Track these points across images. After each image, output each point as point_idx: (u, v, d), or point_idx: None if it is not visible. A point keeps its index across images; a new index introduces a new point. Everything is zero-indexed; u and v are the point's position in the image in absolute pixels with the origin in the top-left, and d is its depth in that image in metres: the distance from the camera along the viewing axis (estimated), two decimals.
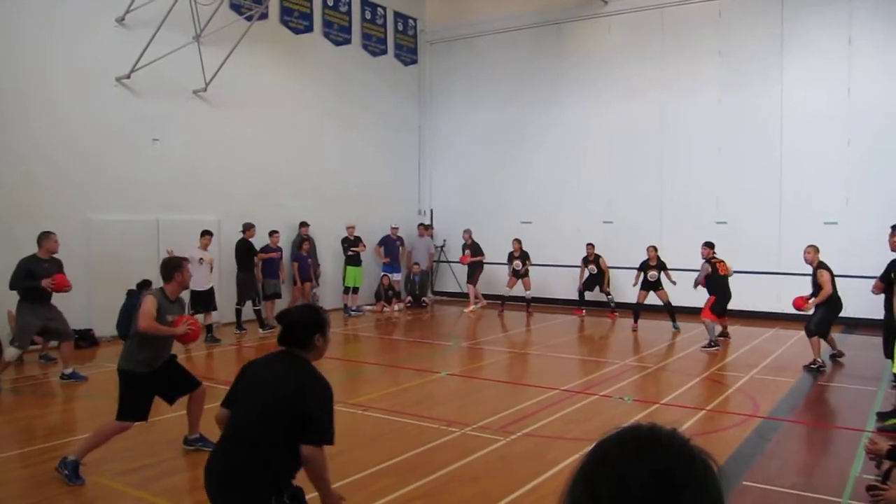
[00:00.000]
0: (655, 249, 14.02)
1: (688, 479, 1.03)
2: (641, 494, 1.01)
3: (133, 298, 11.18)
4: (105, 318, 11.68)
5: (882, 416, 7.45)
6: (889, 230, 8.55)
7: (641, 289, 13.99)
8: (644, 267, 13.97)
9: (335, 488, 3.90)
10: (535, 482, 5.84)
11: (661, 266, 13.89)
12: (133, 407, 6.03)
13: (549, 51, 17.74)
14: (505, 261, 16.88)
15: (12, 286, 9.19)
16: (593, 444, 1.13)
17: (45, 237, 9.42)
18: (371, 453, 6.48)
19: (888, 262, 8.40)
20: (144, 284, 11.28)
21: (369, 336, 14.20)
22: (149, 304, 6.09)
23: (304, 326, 3.69)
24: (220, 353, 11.93)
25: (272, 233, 14.13)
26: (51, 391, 9.24)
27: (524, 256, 16.39)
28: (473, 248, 17.17)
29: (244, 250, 13.63)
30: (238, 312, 13.60)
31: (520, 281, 16.46)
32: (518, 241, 16.46)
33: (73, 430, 7.46)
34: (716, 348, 11.66)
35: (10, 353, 9.21)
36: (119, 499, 5.66)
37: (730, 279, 12.52)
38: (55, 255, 9.47)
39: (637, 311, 13.96)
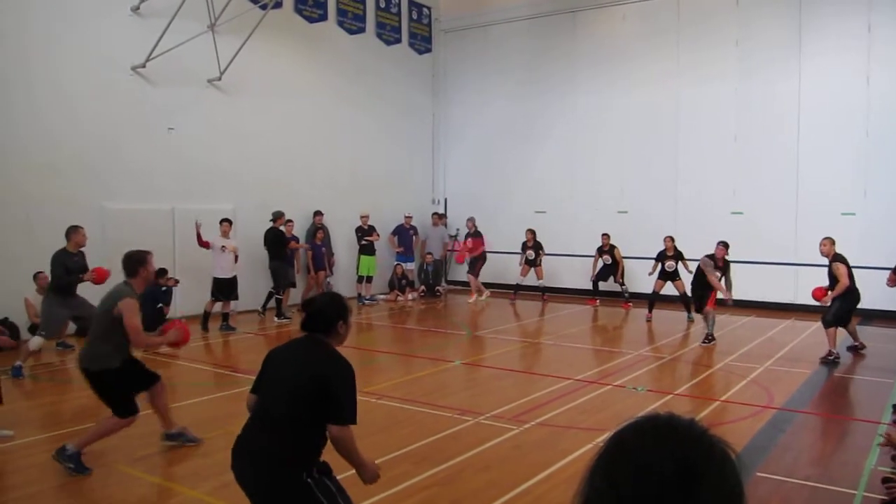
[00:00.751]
0: (672, 240, 13.95)
1: (707, 468, 1.03)
2: (661, 483, 1.01)
3: (149, 287, 11.26)
4: None
5: None
6: None
7: (658, 278, 13.93)
8: (661, 257, 13.92)
9: (348, 475, 3.92)
10: (548, 471, 5.85)
11: (679, 256, 13.83)
12: (127, 402, 5.94)
13: (564, 39, 17.64)
14: (517, 250, 16.89)
15: (60, 282, 9.27)
16: (611, 433, 1.13)
17: (73, 231, 9.48)
18: (385, 441, 6.51)
19: None
20: (160, 273, 11.37)
21: (383, 325, 14.23)
22: (136, 314, 5.78)
23: (329, 314, 3.84)
24: (235, 341, 11.99)
25: (287, 221, 14.21)
26: (68, 378, 9.33)
27: (537, 247, 16.44)
28: (476, 236, 17.16)
29: (275, 239, 13.77)
30: (278, 302, 13.76)
31: (532, 270, 16.53)
32: (532, 231, 16.49)
33: (90, 417, 7.52)
34: (712, 343, 11.39)
35: (35, 342, 9.30)
36: (135, 484, 5.72)
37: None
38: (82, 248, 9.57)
39: (652, 301, 13.90)
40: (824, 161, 14.49)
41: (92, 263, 10.22)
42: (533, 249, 16.46)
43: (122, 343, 5.85)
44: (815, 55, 14.63)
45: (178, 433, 6.51)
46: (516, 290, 16.65)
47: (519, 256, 16.79)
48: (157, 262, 11.40)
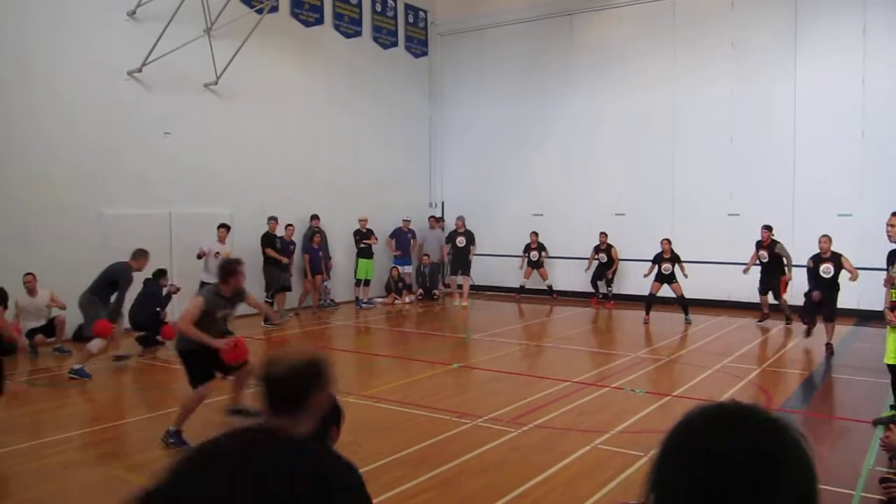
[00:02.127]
0: (669, 242, 13.99)
1: (785, 454, 1.03)
2: (740, 471, 1.00)
3: (149, 287, 11.29)
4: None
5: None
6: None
7: (655, 280, 13.97)
8: (658, 259, 13.97)
9: None
10: (546, 473, 5.84)
11: (676, 259, 13.87)
12: (199, 374, 6.70)
13: (560, 42, 17.66)
14: (516, 252, 16.98)
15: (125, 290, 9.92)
16: (676, 424, 1.11)
17: (141, 255, 10.12)
18: (383, 444, 6.50)
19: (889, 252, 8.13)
20: (160, 274, 11.38)
21: (381, 328, 14.23)
22: (193, 306, 6.67)
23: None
24: None
25: (287, 226, 14.32)
26: (65, 383, 9.31)
27: (541, 248, 16.72)
28: (468, 235, 17.13)
29: (263, 243, 13.95)
30: (268, 306, 13.68)
31: (535, 272, 16.92)
32: (535, 233, 16.88)
33: (86, 423, 7.51)
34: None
35: (97, 344, 9.55)
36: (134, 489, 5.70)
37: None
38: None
39: (649, 303, 13.92)
40: (820, 163, 14.52)
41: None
42: (537, 251, 16.75)
43: (206, 330, 6.68)
44: (810, 57, 14.66)
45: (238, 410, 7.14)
46: (521, 291, 16.85)
47: (519, 259, 17.01)
48: (155, 267, 11.51)
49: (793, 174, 14.85)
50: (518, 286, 17.11)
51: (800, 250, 14.58)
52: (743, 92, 15.30)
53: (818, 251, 11.41)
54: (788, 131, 14.86)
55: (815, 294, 11.04)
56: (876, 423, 7.17)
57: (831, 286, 11.04)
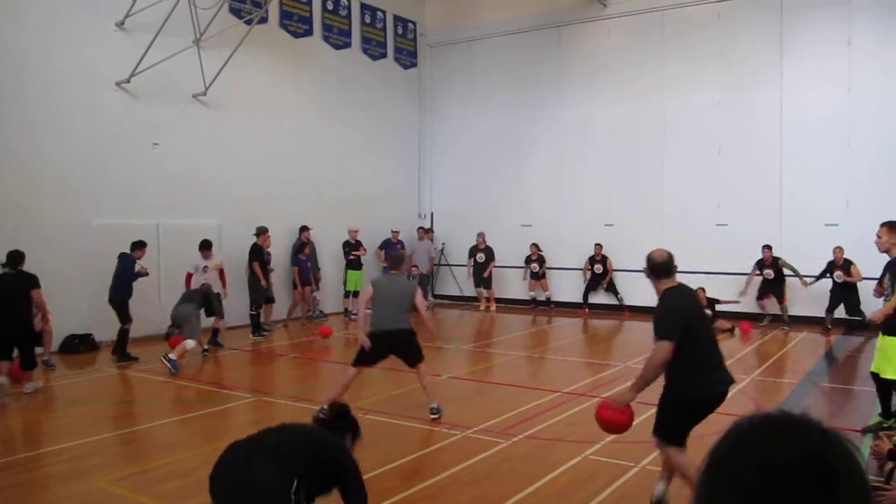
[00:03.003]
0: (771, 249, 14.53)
1: (842, 468, 1.00)
2: (794, 481, 0.98)
3: (124, 261, 11.19)
4: (105, 322, 11.62)
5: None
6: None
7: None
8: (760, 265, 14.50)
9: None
10: (537, 484, 5.82)
11: None
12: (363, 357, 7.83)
13: (549, 54, 17.74)
14: (504, 263, 17.03)
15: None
16: (723, 434, 1.08)
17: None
18: (373, 456, 6.45)
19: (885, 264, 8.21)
20: (139, 245, 11.26)
21: None
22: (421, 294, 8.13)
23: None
24: (222, 357, 11.89)
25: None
26: (52, 396, 9.22)
27: (541, 260, 16.79)
28: (487, 252, 17.47)
29: (251, 255, 13.85)
30: (253, 318, 13.65)
31: (538, 283, 17.25)
32: (535, 244, 17.02)
33: (72, 436, 7.42)
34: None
35: (189, 344, 10.67)
36: (120, 503, 5.64)
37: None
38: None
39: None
40: (807, 172, 14.62)
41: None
42: (537, 262, 16.88)
43: (410, 314, 8.11)
44: (796, 67, 14.78)
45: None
46: (534, 304, 17.18)
47: (512, 271, 17.18)
48: (143, 278, 11.45)
49: (780, 184, 14.94)
50: (529, 297, 17.44)
51: (788, 259, 14.70)
52: (730, 102, 15.40)
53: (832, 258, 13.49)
54: (775, 141, 14.96)
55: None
56: (865, 431, 7.19)
57: (844, 288, 13.24)
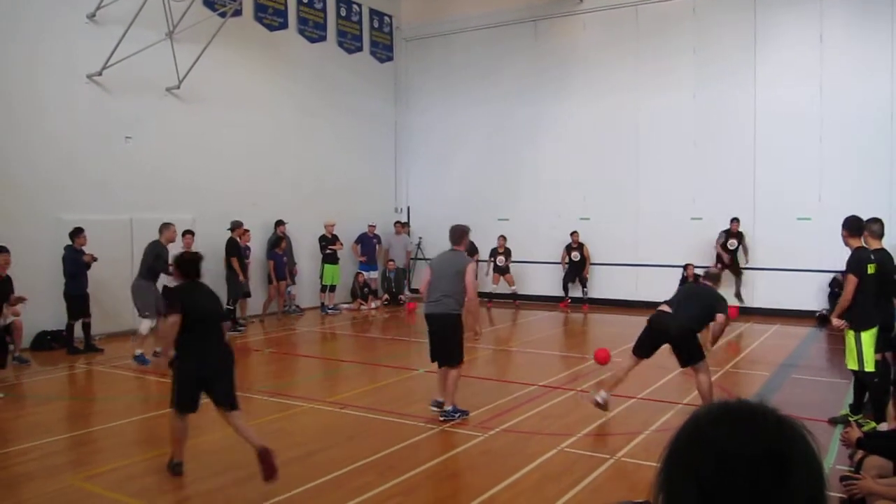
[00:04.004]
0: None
1: (798, 455, 1.02)
2: (750, 470, 1.00)
3: (70, 253, 11.07)
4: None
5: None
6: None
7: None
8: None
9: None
10: (514, 477, 5.84)
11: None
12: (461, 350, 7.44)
13: (525, 48, 17.76)
14: (483, 258, 16.96)
15: (152, 269, 10.90)
16: (683, 423, 1.10)
17: (165, 227, 11.16)
18: (349, 451, 6.46)
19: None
20: (77, 233, 11.14)
21: (347, 334, 14.15)
22: (474, 273, 7.43)
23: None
24: None
25: (244, 231, 14.13)
26: (22, 393, 9.10)
27: (507, 253, 16.67)
28: (507, 253, 16.93)
29: (228, 250, 13.81)
30: (230, 312, 13.48)
31: (501, 278, 16.80)
32: (503, 237, 16.77)
33: (41, 434, 7.34)
34: None
35: (144, 325, 10.55)
36: (94, 500, 5.58)
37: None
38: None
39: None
40: (780, 167, 14.79)
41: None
42: (504, 255, 16.68)
43: (461, 297, 7.33)
44: (769, 63, 14.93)
45: (442, 402, 7.49)
46: (491, 299, 16.75)
47: (487, 265, 16.88)
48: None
49: (753, 178, 15.09)
50: (487, 292, 16.94)
51: (761, 253, 14.88)
52: (704, 97, 15.52)
53: None
54: (749, 136, 15.11)
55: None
56: (832, 421, 7.32)
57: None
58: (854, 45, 14.23)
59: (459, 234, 7.64)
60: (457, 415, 7.36)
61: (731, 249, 14.77)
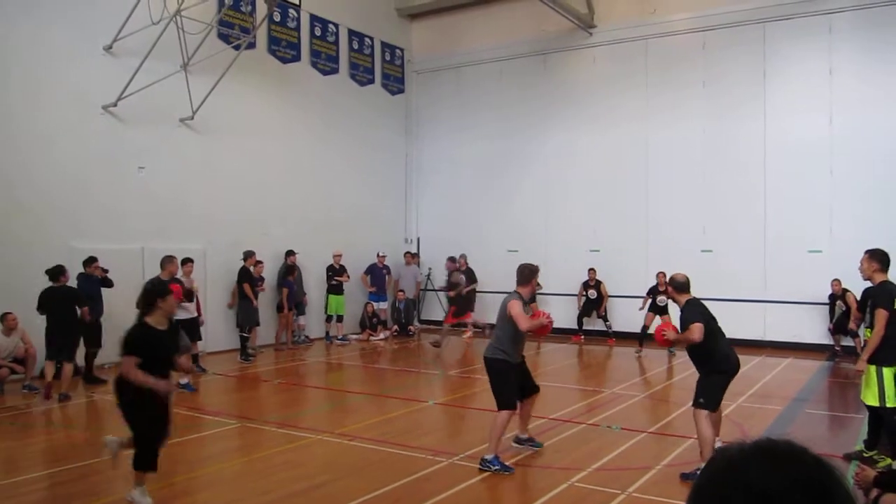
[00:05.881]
0: (665, 275, 14.21)
1: (841, 495, 1.00)
2: None
3: (89, 280, 11.17)
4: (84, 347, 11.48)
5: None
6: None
7: (649, 311, 14.31)
8: (653, 291, 14.35)
9: None
10: None
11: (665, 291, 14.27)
12: (511, 395, 7.00)
13: (536, 81, 17.90)
14: (491, 289, 16.95)
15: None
16: (710, 459, 1.08)
17: (168, 261, 10.94)
18: (357, 483, 6.40)
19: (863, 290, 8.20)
20: (91, 261, 11.27)
21: (355, 365, 14.10)
22: (519, 308, 7.08)
23: None
24: (205, 382, 11.78)
25: (257, 263, 14.19)
26: (31, 422, 9.09)
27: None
28: (469, 274, 17.00)
29: (240, 279, 13.91)
30: (243, 340, 13.67)
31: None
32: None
33: (56, 462, 7.31)
34: None
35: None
36: None
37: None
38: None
39: (642, 336, 13.98)
40: (790, 199, 14.77)
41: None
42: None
43: (510, 338, 7.12)
44: (779, 97, 14.99)
45: (526, 439, 7.57)
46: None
47: (501, 296, 16.85)
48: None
49: (763, 211, 15.07)
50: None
51: (772, 286, 14.81)
52: (714, 130, 15.57)
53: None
54: (759, 169, 15.11)
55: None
56: (846, 457, 7.20)
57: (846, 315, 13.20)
58: (863, 78, 14.28)
59: (528, 274, 7.56)
60: (494, 467, 6.75)
61: (661, 306, 14.17)
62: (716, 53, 15.64)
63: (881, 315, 6.78)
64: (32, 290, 10.40)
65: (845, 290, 13.44)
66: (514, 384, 7.12)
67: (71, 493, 6.10)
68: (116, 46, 12.57)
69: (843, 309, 13.54)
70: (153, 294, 5.91)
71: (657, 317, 14.05)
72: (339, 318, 16.31)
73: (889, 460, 6.60)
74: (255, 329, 14.20)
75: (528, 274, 7.48)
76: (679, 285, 7.36)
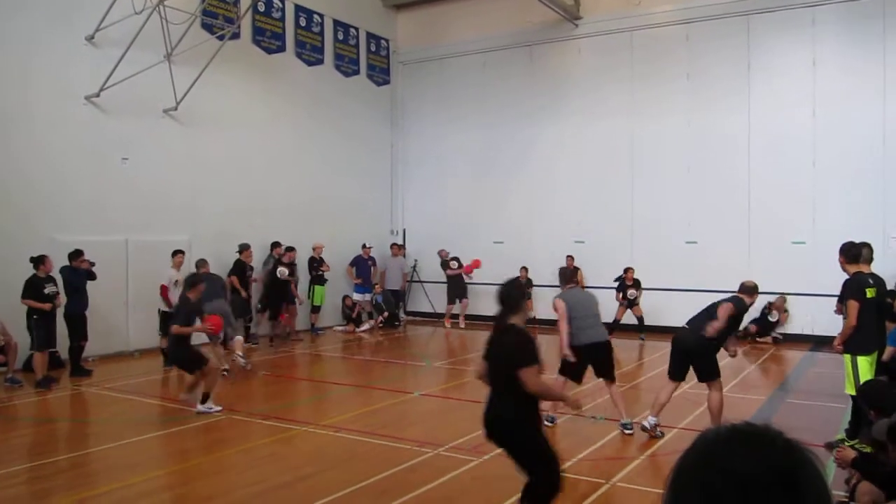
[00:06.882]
0: (633, 270, 15.02)
1: (807, 481, 1.02)
2: (760, 493, 1.00)
3: (75, 271, 11.08)
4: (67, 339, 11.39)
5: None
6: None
7: (620, 305, 14.83)
8: (622, 287, 14.88)
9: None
10: (508, 501, 5.80)
11: (637, 284, 14.90)
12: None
13: (521, 72, 17.89)
14: (477, 280, 17.01)
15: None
16: (690, 445, 1.10)
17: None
18: (343, 475, 6.41)
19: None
20: (77, 254, 11.13)
21: (340, 357, 14.09)
22: (562, 314, 7.78)
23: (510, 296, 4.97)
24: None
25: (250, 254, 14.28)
26: (15, 415, 9.03)
27: (528, 283, 16.22)
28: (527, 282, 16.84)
29: (234, 271, 13.90)
30: (247, 329, 13.95)
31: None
32: (524, 268, 16.47)
33: (39, 455, 7.27)
34: None
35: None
36: None
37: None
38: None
39: (613, 327, 14.02)
40: (774, 191, 14.87)
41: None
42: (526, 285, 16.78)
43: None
44: (763, 89, 15.06)
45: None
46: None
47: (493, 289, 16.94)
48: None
49: (748, 203, 15.16)
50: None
51: (756, 277, 14.82)
52: (699, 122, 15.63)
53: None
54: (743, 161, 15.20)
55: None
56: (828, 445, 7.28)
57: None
58: (846, 70, 14.38)
59: (569, 275, 9.16)
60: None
61: (632, 300, 14.96)
62: (700, 46, 15.69)
63: (852, 306, 7.09)
64: (16, 283, 10.30)
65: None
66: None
67: (53, 486, 6.07)
68: (99, 36, 12.43)
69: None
70: (521, 296, 5.42)
71: (628, 310, 14.89)
72: (316, 309, 16.23)
73: (869, 449, 6.68)
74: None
75: (569, 275, 9.08)
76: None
